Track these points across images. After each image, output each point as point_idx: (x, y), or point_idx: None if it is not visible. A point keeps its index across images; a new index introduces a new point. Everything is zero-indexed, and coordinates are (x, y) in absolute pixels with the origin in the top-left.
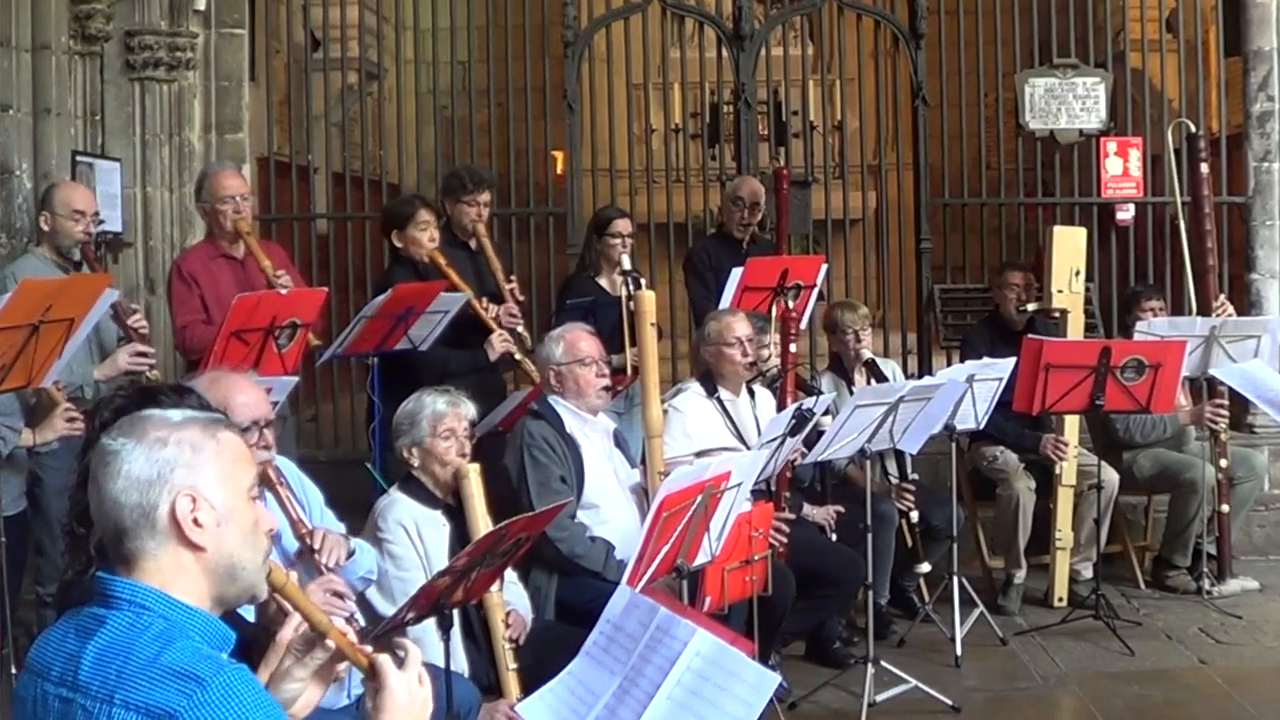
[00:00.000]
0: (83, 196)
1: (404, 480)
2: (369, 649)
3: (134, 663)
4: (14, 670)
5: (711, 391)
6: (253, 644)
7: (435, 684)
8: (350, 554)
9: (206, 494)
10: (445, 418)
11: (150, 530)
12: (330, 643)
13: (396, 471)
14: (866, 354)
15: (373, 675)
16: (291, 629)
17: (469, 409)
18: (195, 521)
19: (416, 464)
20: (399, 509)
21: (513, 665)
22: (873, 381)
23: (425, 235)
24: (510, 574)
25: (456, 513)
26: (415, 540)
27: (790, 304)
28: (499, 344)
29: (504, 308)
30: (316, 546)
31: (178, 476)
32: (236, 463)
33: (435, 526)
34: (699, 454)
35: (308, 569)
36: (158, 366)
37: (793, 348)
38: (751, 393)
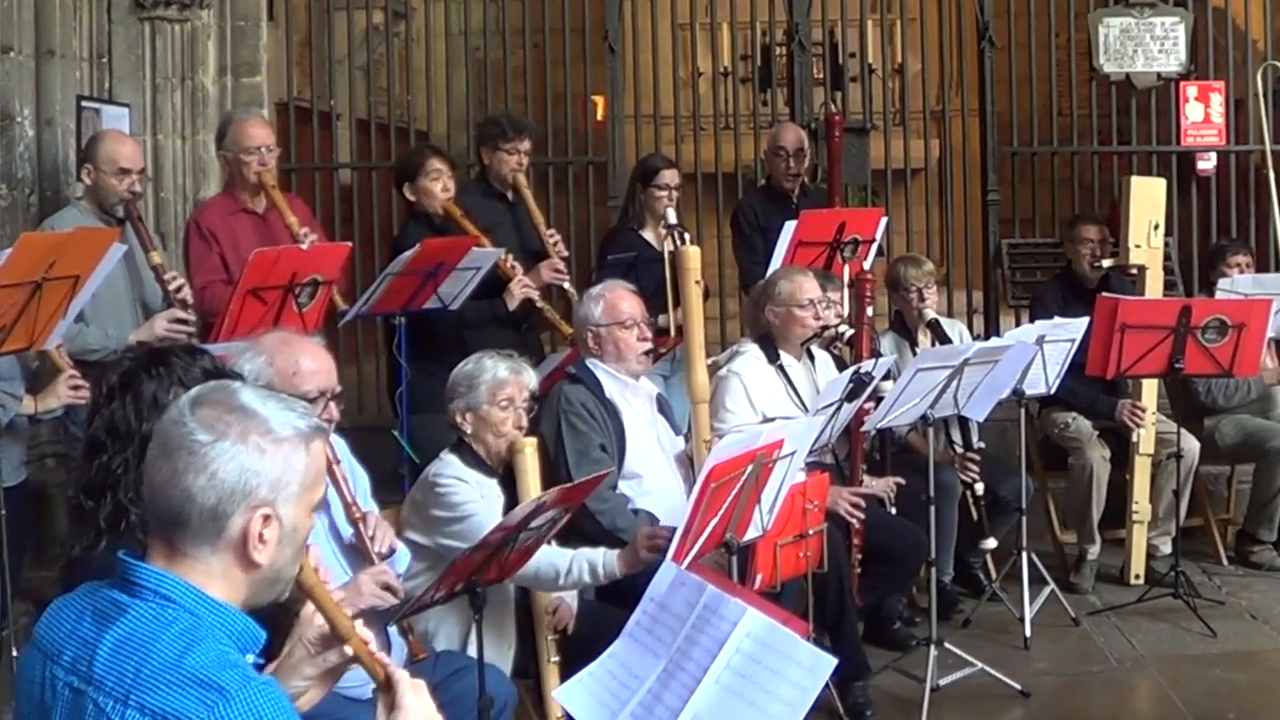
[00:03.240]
0: (129, 152)
1: (456, 446)
2: (388, 660)
3: (154, 662)
4: (15, 653)
5: (773, 357)
6: (272, 623)
7: (466, 675)
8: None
9: (281, 512)
10: (506, 385)
11: (214, 537)
12: (347, 648)
13: (424, 439)
14: (930, 314)
15: (387, 689)
16: (314, 608)
17: (530, 378)
18: (260, 537)
19: (469, 431)
20: (455, 469)
21: (555, 658)
22: (936, 343)
23: (438, 186)
24: None
25: (512, 484)
26: (475, 496)
27: (845, 261)
28: (518, 291)
29: (547, 263)
30: (370, 533)
31: (262, 492)
32: (317, 478)
33: (491, 494)
34: (764, 423)
35: (356, 556)
36: (196, 335)
37: (870, 310)
38: (811, 356)
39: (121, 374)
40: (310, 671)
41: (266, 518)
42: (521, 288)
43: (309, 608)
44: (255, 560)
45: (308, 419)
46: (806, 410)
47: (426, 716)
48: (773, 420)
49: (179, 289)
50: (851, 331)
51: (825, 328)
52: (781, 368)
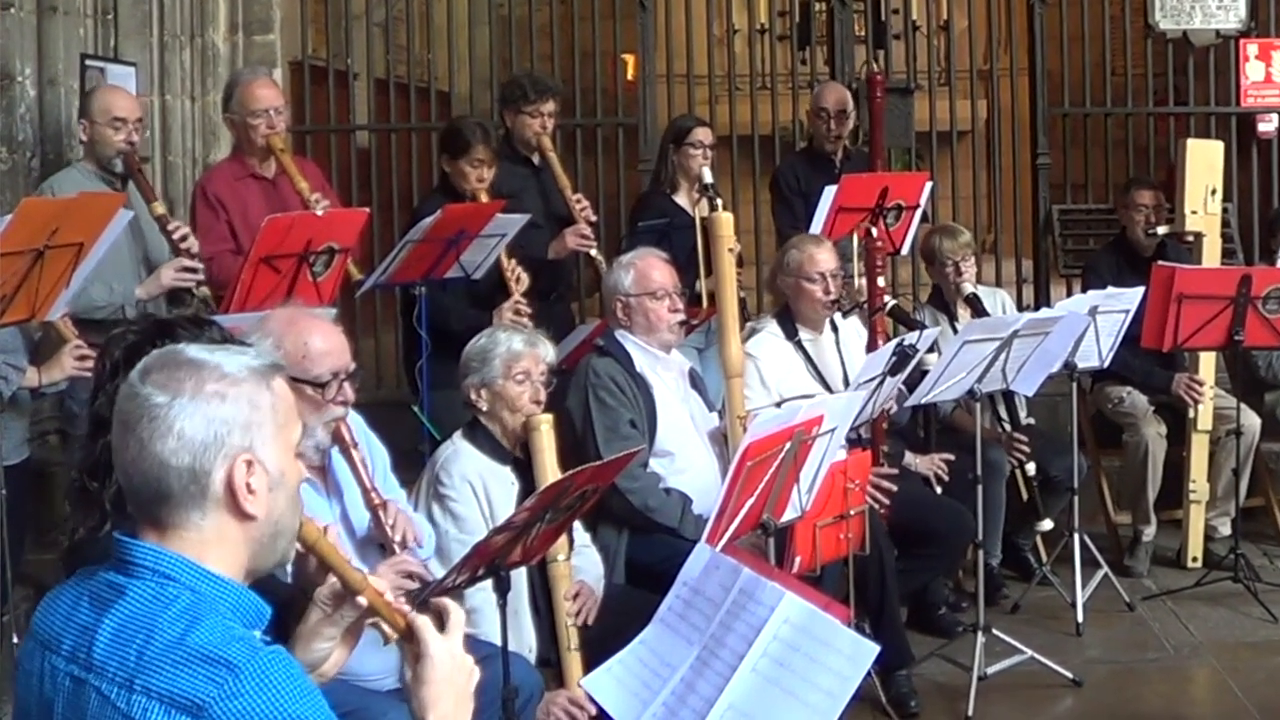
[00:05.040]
0: (123, 102)
1: (468, 428)
2: (407, 609)
3: (156, 643)
4: (15, 640)
5: (791, 333)
6: (289, 608)
7: (490, 663)
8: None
9: (262, 456)
10: (521, 358)
11: (199, 499)
12: (361, 600)
13: (444, 415)
14: (968, 288)
15: (410, 638)
16: (330, 590)
17: (547, 351)
18: (249, 488)
19: (485, 408)
20: (464, 461)
21: (575, 646)
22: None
23: (474, 175)
24: (583, 536)
25: (526, 468)
26: (481, 499)
27: (874, 230)
28: (508, 316)
29: (573, 229)
30: (390, 521)
31: (235, 438)
32: (289, 416)
33: (503, 483)
34: (779, 405)
35: (372, 548)
36: (206, 282)
37: (880, 280)
38: (834, 326)
39: (125, 348)
40: (331, 632)
41: (249, 464)
42: (514, 317)
43: (322, 593)
44: (248, 511)
45: (263, 358)
46: (827, 387)
47: (454, 659)
48: (789, 400)
49: (184, 238)
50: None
51: (836, 301)
52: (800, 343)
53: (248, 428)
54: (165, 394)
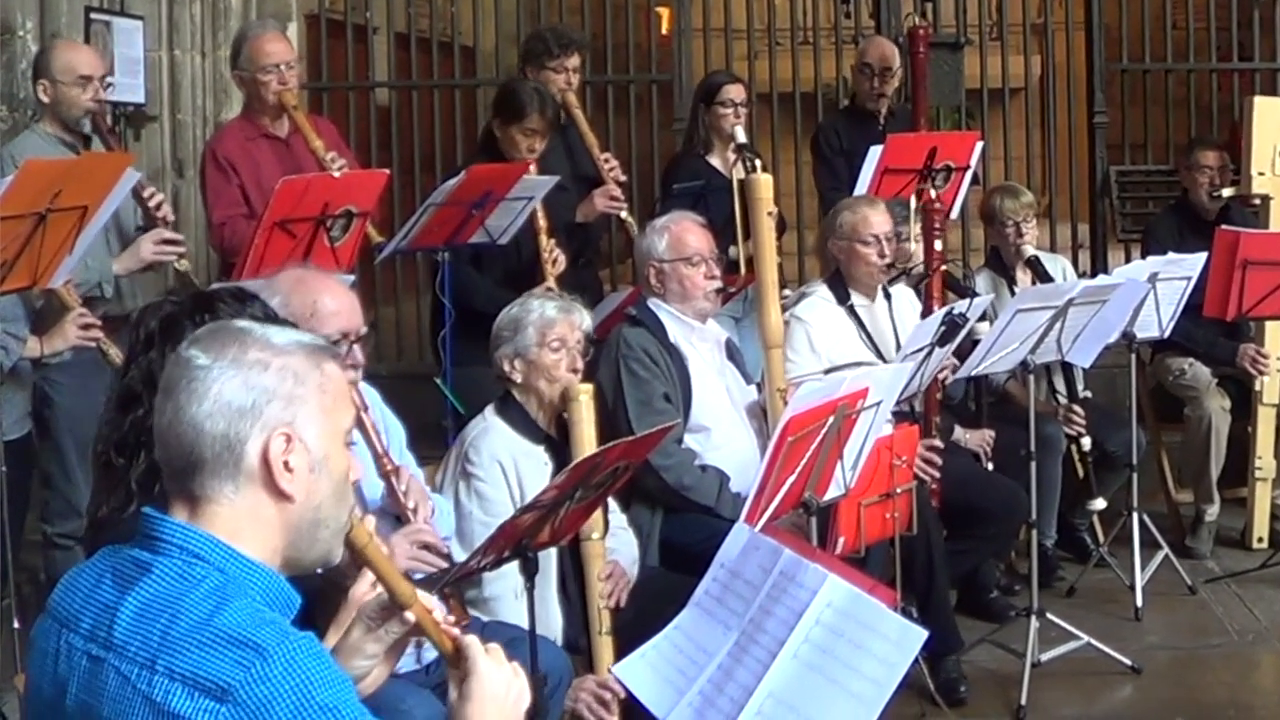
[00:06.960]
0: (87, 57)
1: (501, 403)
2: (456, 630)
3: (182, 623)
4: (16, 625)
5: (843, 298)
6: (318, 600)
7: (518, 646)
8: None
9: (303, 434)
10: (555, 324)
11: (232, 470)
12: (409, 616)
13: (469, 394)
14: (1029, 250)
15: (456, 661)
16: (368, 583)
17: (583, 318)
18: (286, 465)
19: (519, 379)
20: (495, 440)
21: (606, 629)
22: (1036, 282)
23: (525, 144)
24: (619, 518)
25: (560, 448)
26: (511, 482)
27: (935, 191)
28: None
29: (601, 190)
30: (402, 489)
31: (274, 410)
32: (338, 401)
33: (536, 464)
34: (829, 372)
35: (386, 520)
36: (188, 255)
37: (938, 245)
38: (888, 295)
39: (162, 319)
40: (373, 649)
41: (288, 439)
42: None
43: (358, 588)
44: (285, 490)
45: (314, 338)
46: (881, 355)
47: (505, 684)
48: (840, 368)
49: (159, 205)
50: (920, 265)
51: (891, 265)
52: (852, 309)
53: (290, 401)
54: (207, 357)
